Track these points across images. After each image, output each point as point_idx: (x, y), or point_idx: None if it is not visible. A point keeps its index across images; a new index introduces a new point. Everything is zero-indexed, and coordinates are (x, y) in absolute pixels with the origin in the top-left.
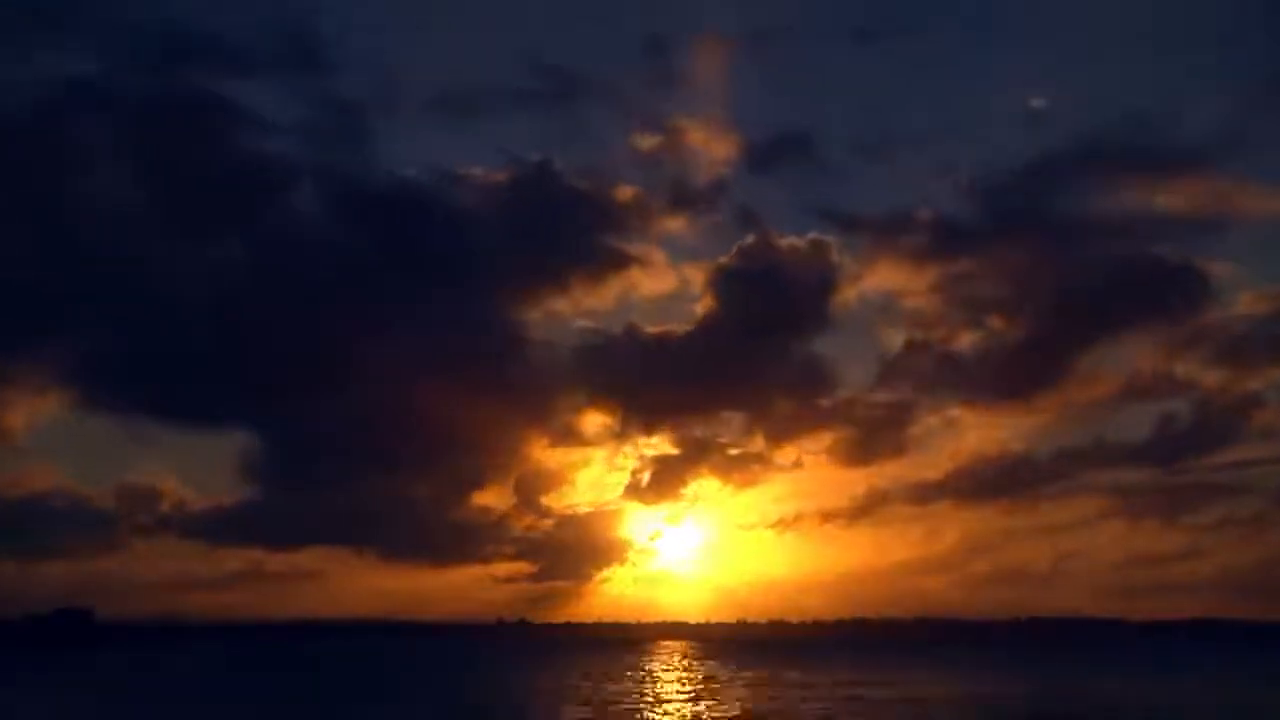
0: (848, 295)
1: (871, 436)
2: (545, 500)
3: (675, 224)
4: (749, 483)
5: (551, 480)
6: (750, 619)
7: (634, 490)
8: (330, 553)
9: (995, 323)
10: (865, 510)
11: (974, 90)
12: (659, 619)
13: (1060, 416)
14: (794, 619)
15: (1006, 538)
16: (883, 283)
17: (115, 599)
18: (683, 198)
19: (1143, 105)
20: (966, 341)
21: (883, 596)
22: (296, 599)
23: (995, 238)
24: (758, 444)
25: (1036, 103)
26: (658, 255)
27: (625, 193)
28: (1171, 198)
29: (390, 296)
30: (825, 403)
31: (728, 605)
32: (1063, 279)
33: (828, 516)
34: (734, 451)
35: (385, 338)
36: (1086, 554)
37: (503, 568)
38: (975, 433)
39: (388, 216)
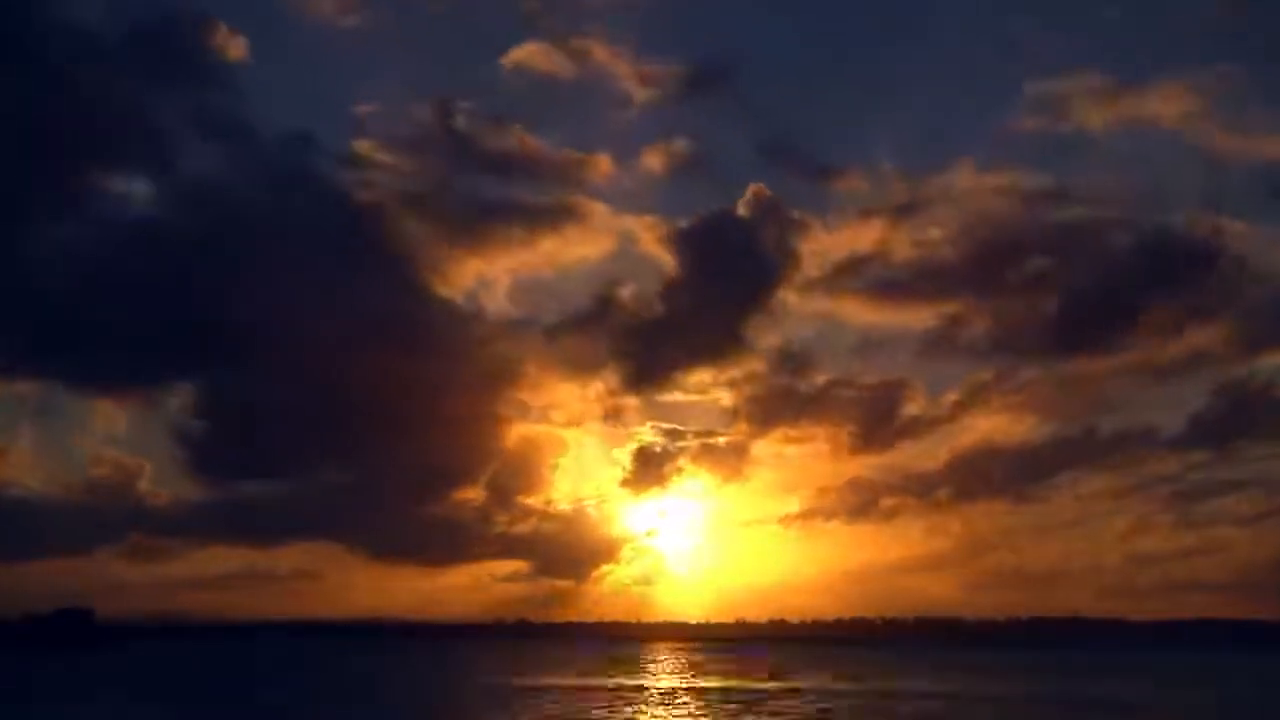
0: (813, 261)
1: (860, 424)
2: (536, 498)
3: (604, 169)
4: (736, 474)
5: (537, 476)
6: (750, 619)
7: (627, 486)
8: (323, 551)
9: (987, 298)
10: (859, 504)
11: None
12: (659, 619)
13: (1062, 402)
14: (794, 619)
15: (1007, 534)
16: (852, 245)
17: (111, 598)
18: (610, 140)
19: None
20: (953, 319)
21: (881, 596)
22: (295, 599)
23: (979, 189)
24: (742, 432)
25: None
26: (595, 208)
27: (544, 138)
28: (1184, 125)
29: (297, 266)
30: (806, 386)
31: (727, 604)
32: (1063, 244)
33: (819, 511)
34: (719, 440)
35: (309, 311)
36: (1089, 551)
37: (501, 567)
38: (968, 421)
39: (277, 169)
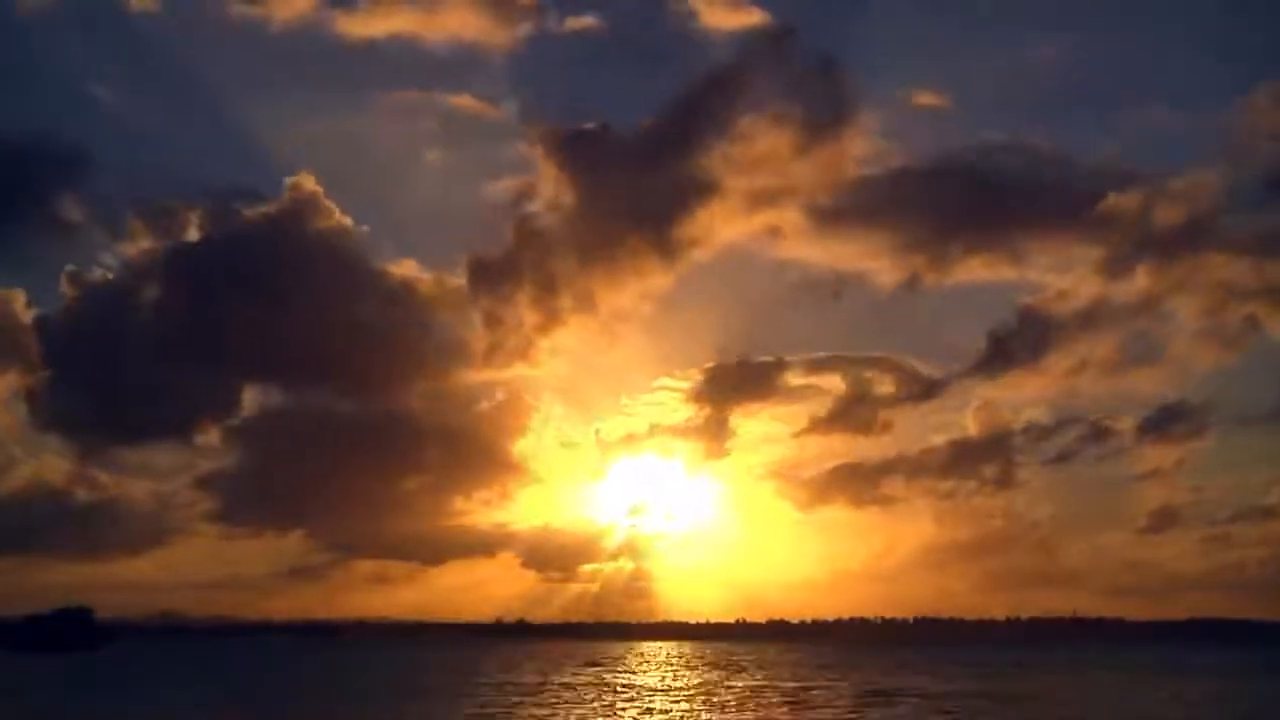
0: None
1: (833, 411)
2: (528, 496)
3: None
4: (715, 456)
5: (518, 469)
6: (749, 619)
7: (618, 482)
8: (325, 552)
9: (963, 261)
10: (846, 496)
11: None
12: (659, 618)
13: (1054, 387)
14: (793, 619)
15: (1002, 531)
16: (780, 180)
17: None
18: None
19: None
20: (919, 283)
21: (879, 595)
22: (296, 600)
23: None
24: (705, 415)
25: None
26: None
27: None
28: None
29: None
30: (760, 360)
31: (726, 603)
32: (1042, 181)
33: (811, 504)
34: (688, 423)
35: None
36: (1088, 548)
37: (499, 567)
38: (961, 401)
39: None
